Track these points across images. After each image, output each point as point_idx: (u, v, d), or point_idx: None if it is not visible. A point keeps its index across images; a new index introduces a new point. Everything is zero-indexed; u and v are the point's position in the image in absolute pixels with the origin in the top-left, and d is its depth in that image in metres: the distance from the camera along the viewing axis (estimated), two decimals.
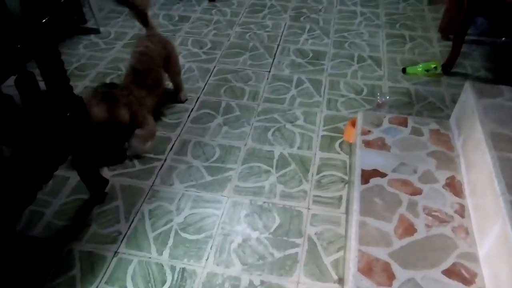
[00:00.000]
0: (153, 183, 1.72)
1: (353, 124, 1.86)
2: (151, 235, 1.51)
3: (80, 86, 2.29)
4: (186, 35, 2.78)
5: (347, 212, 1.58)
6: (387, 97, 1.76)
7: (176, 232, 1.52)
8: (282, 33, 2.77)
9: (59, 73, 1.29)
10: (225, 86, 2.27)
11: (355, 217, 1.31)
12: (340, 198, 1.65)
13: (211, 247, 1.47)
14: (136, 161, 1.82)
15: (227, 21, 2.93)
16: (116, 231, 1.53)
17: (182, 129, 1.98)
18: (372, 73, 2.37)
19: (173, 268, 1.41)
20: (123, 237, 1.51)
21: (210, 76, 2.35)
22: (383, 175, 1.46)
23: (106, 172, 1.76)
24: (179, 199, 1.65)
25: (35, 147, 1.23)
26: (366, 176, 1.46)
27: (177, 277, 1.38)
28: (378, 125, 1.68)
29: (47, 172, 1.30)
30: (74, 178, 1.72)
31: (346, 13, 3.02)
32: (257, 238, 1.50)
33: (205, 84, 2.29)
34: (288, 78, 2.33)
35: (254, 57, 2.52)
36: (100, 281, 1.37)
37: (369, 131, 1.65)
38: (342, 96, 2.19)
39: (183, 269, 1.40)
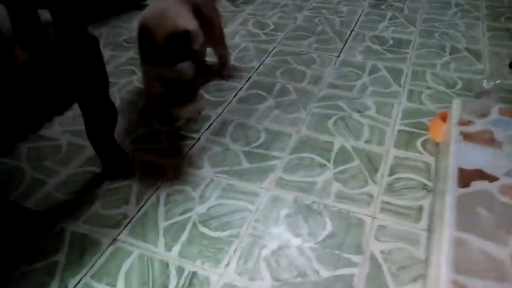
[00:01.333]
0: (179, 163, 1.38)
1: (444, 118, 1.41)
2: (162, 224, 1.17)
3: (123, 57, 2.06)
4: (247, 15, 2.47)
5: (430, 229, 1.12)
6: (497, 81, 1.29)
7: (194, 225, 1.16)
8: (358, 19, 2.36)
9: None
10: (282, 68, 1.91)
11: (448, 232, 0.87)
12: (420, 209, 1.19)
13: (235, 250, 1.09)
14: (164, 136, 1.51)
15: (296, 5, 2.59)
16: (122, 214, 1.21)
17: (224, 108, 1.64)
18: (469, 66, 1.88)
19: (180, 270, 1.05)
20: (128, 222, 1.18)
21: (267, 56, 2.01)
22: (491, 178, 1.00)
23: (128, 146, 1.46)
24: (206, 186, 1.29)
25: (24, 82, 0.95)
26: (466, 177, 1.00)
27: (184, 283, 1.01)
28: (483, 115, 1.21)
29: (41, 115, 1.01)
30: (91, 149, 1.44)
31: (437, 3, 2.55)
32: (299, 247, 1.10)
33: (260, 64, 1.95)
34: (360, 64, 1.92)
35: (321, 41, 2.14)
36: (86, 274, 1.05)
37: (470, 121, 1.19)
38: (429, 88, 1.73)
39: (194, 274, 1.04)
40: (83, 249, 1.11)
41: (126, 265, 1.07)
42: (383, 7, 2.53)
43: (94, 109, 1.18)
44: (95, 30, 2.24)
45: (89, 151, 1.44)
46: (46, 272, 1.06)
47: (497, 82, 1.28)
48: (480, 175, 1.01)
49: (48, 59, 1.00)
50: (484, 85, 1.29)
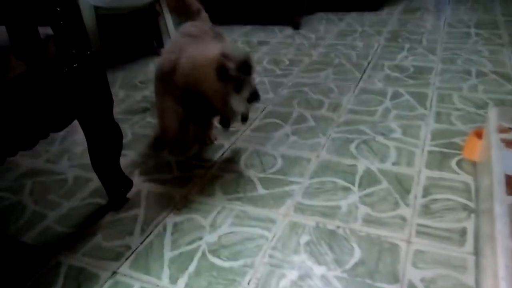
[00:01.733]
0: (189, 192, 1.28)
1: (479, 135, 1.27)
2: (168, 255, 1.04)
3: (138, 96, 2.04)
4: (263, 55, 2.46)
5: (477, 253, 0.95)
6: None
7: (203, 255, 1.03)
8: (375, 52, 2.31)
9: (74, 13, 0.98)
10: (299, 98, 1.84)
11: (504, 244, 0.71)
12: (464, 231, 1.03)
13: (249, 281, 0.95)
14: (174, 167, 1.42)
15: (311, 44, 2.58)
16: (124, 246, 1.09)
17: (238, 138, 1.55)
18: (498, 87, 1.76)
19: None
20: (131, 254, 1.06)
21: (283, 89, 1.95)
22: None
23: (135, 178, 1.37)
24: (217, 213, 1.17)
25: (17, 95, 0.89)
26: None
27: None
28: None
29: (36, 130, 0.94)
30: (96, 180, 1.36)
31: (456, 34, 2.49)
32: (323, 276, 0.94)
33: (276, 95, 1.89)
34: (380, 91, 1.83)
35: (338, 72, 2.08)
36: None
37: (511, 128, 1.05)
38: (457, 109, 1.61)
39: None
40: (79, 284, 0.99)
41: None
42: (399, 40, 2.49)
43: (97, 130, 1.11)
44: (111, 75, 2.26)
45: (95, 183, 1.36)
46: None
47: None
48: None
49: (47, 73, 0.95)
50: None
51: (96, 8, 2.35)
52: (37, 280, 1.01)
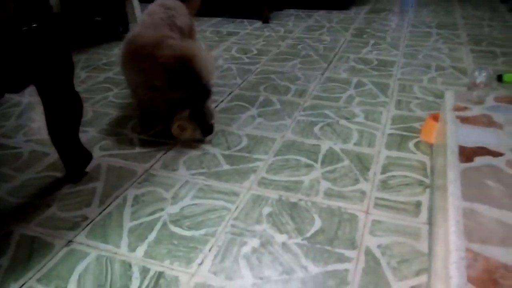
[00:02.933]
0: (151, 166, 1.25)
1: (436, 118, 1.33)
2: (127, 225, 1.02)
3: (101, 77, 1.99)
4: (231, 44, 2.47)
5: (430, 223, 0.99)
6: (485, 74, 1.22)
7: (164, 225, 1.01)
8: (341, 46, 2.36)
9: None
10: (266, 84, 1.85)
11: (455, 203, 0.75)
12: (418, 204, 1.07)
13: (210, 248, 0.94)
14: (136, 142, 1.39)
15: (279, 36, 2.60)
16: (81, 216, 1.05)
17: None
18: (456, 80, 1.84)
19: (145, 271, 0.88)
20: (87, 224, 1.03)
21: (250, 75, 1.96)
22: (496, 154, 0.89)
23: (96, 153, 1.33)
24: (180, 187, 1.16)
25: None
26: (468, 153, 0.90)
27: (148, 284, 0.85)
28: (479, 103, 1.13)
29: None
30: (54, 155, 1.31)
31: (418, 33, 2.59)
32: (284, 243, 0.95)
33: (243, 81, 1.89)
34: (345, 80, 1.87)
35: (305, 62, 2.11)
36: (31, 277, 0.88)
37: (466, 107, 1.11)
38: (417, 98, 1.67)
39: (160, 274, 0.87)
40: (32, 252, 0.95)
41: (80, 267, 0.90)
42: (364, 36, 2.55)
43: (56, 97, 1.07)
44: (74, 56, 2.19)
45: (52, 157, 1.31)
46: None
47: (485, 74, 1.21)
48: (483, 151, 0.90)
49: (3, 31, 0.91)
50: (477, 78, 1.22)
51: None
52: None
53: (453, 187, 0.79)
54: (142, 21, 1.48)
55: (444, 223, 0.76)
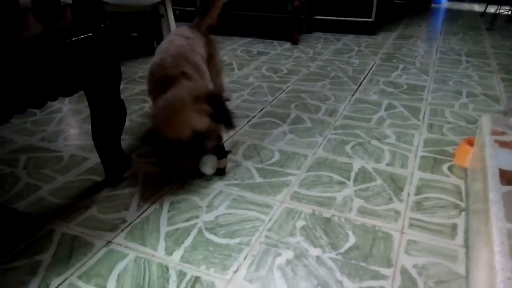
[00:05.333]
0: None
1: (470, 143, 1.33)
2: (164, 229, 1.04)
3: (137, 89, 2.06)
4: (262, 63, 2.52)
5: (467, 246, 0.98)
6: None
7: (200, 232, 1.03)
8: (371, 69, 2.39)
9: None
10: (296, 102, 1.88)
11: (498, 224, 0.74)
12: (454, 226, 1.06)
13: (245, 257, 0.95)
14: None
15: (309, 57, 2.65)
16: (120, 219, 1.08)
17: (236, 132, 1.58)
18: (488, 107, 1.83)
19: (181, 274, 0.90)
20: (127, 226, 1.05)
21: (281, 93, 2.00)
22: None
23: (133, 160, 1.37)
24: (214, 196, 1.18)
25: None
26: (509, 177, 0.90)
27: (185, 287, 0.86)
28: None
29: (46, 92, 0.94)
30: (93, 160, 1.36)
31: (447, 59, 2.60)
32: (318, 257, 0.95)
33: (274, 98, 1.93)
34: (376, 102, 1.88)
35: (335, 83, 2.14)
36: (72, 274, 0.90)
37: (504, 132, 1.11)
38: (449, 123, 1.67)
39: (197, 279, 0.89)
40: (73, 250, 0.98)
41: (119, 267, 0.92)
42: (394, 60, 2.58)
43: (102, 103, 1.12)
44: None
45: (91, 162, 1.36)
46: (28, 271, 0.91)
47: None
48: None
49: (62, 38, 0.96)
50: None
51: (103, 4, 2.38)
52: (29, 245, 1.00)
53: (496, 209, 0.79)
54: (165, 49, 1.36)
55: (486, 246, 0.76)
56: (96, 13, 1.05)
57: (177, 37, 1.46)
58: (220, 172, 1.29)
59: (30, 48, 0.89)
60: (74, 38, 0.98)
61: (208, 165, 1.24)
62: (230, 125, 1.17)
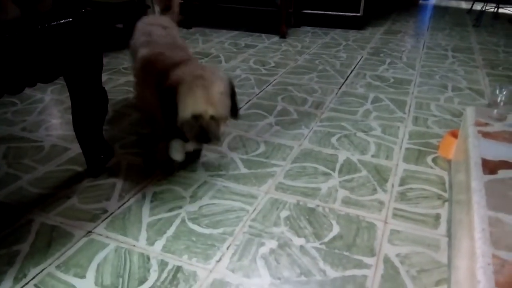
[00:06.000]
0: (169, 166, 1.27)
1: (454, 135, 1.33)
2: (146, 219, 1.03)
3: (122, 80, 2.02)
4: (249, 56, 2.50)
5: (449, 236, 0.99)
6: (505, 92, 1.23)
7: (183, 221, 1.02)
8: (358, 63, 2.39)
9: None
10: (283, 94, 1.87)
11: (480, 212, 0.75)
12: (438, 217, 1.06)
13: (228, 246, 0.94)
14: (155, 143, 1.40)
15: (296, 51, 2.64)
16: (101, 209, 1.06)
17: None
18: (473, 101, 1.85)
19: (163, 264, 0.88)
20: (108, 216, 1.03)
21: (268, 85, 1.98)
22: None
23: (116, 149, 1.35)
24: (198, 187, 1.17)
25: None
26: (491, 166, 0.90)
27: (166, 277, 0.85)
28: (500, 120, 1.14)
29: (24, 77, 0.92)
30: (75, 150, 1.34)
31: (434, 54, 2.61)
32: (302, 246, 0.95)
33: (261, 91, 1.92)
34: (362, 95, 1.89)
35: (322, 76, 2.14)
36: (51, 264, 0.88)
37: (487, 123, 1.11)
38: (435, 116, 1.68)
39: (178, 268, 0.88)
40: (51, 240, 0.95)
41: (99, 257, 0.90)
42: (381, 55, 2.58)
43: (84, 90, 1.09)
44: None
45: (73, 152, 1.33)
46: (5, 261, 0.89)
47: (510, 91, 1.22)
48: (506, 165, 0.91)
49: (41, 24, 0.94)
50: (497, 92, 1.23)
51: None
52: (7, 235, 0.97)
53: (478, 197, 0.79)
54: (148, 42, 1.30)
55: (467, 234, 0.76)
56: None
57: (157, 27, 1.39)
58: (196, 156, 1.25)
59: (6, 32, 0.86)
60: (53, 23, 0.95)
61: (177, 149, 1.19)
62: (236, 115, 1.12)
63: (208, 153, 1.35)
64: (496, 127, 1.10)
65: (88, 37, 1.05)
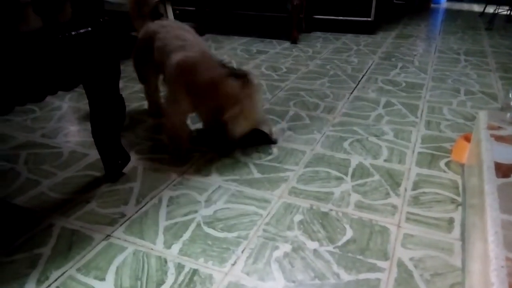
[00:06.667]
0: (185, 171, 1.29)
1: (467, 139, 1.34)
2: (162, 223, 1.05)
3: (137, 87, 2.07)
4: (261, 62, 2.53)
5: (463, 239, 0.99)
6: None
7: (198, 225, 1.04)
8: (369, 68, 2.40)
9: None
10: (295, 100, 1.89)
11: (493, 214, 0.75)
12: (451, 221, 1.07)
13: (243, 250, 0.96)
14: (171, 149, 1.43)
15: (307, 56, 2.66)
16: (119, 213, 1.09)
17: None
18: (486, 104, 1.84)
19: (180, 267, 0.91)
20: (126, 221, 1.06)
21: (280, 91, 2.00)
22: None
23: (132, 156, 1.38)
24: (213, 191, 1.19)
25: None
26: (504, 170, 0.91)
27: (183, 280, 0.87)
28: None
29: (46, 85, 0.95)
30: (93, 155, 1.37)
31: (446, 58, 2.60)
32: (316, 250, 0.96)
33: (273, 96, 1.94)
34: (374, 99, 1.89)
35: (334, 81, 2.15)
36: (72, 267, 0.91)
37: (500, 127, 1.12)
38: (447, 120, 1.68)
39: (195, 271, 0.90)
40: (72, 244, 0.98)
41: (118, 260, 0.93)
42: (392, 59, 2.59)
43: (102, 98, 1.13)
44: None
45: (91, 158, 1.37)
46: (28, 264, 0.92)
47: None
48: None
49: (61, 34, 0.97)
50: (510, 96, 1.23)
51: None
52: (29, 239, 1.00)
53: (491, 200, 0.80)
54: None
55: (481, 237, 0.76)
56: (95, 8, 1.06)
57: (182, 30, 1.45)
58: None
59: (29, 42, 0.90)
60: (73, 33, 0.99)
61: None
62: None
63: (222, 158, 1.37)
64: (509, 130, 1.10)
65: (106, 46, 1.09)
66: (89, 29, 1.03)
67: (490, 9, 4.28)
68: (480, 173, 0.94)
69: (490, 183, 0.85)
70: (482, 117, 1.18)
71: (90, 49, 1.04)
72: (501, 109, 1.38)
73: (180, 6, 3.80)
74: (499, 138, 1.05)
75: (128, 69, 2.37)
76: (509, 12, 4.00)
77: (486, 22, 3.86)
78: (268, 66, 2.43)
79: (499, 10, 3.89)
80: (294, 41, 3.03)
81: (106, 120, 1.17)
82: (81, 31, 1.01)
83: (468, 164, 1.25)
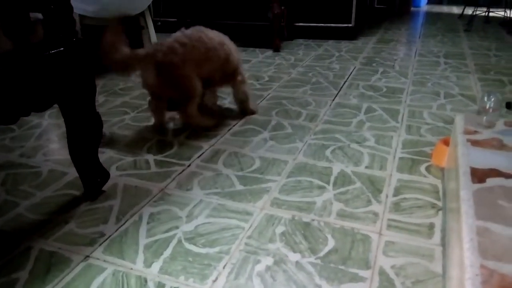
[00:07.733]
0: (166, 186, 1.28)
1: (446, 143, 1.35)
2: (143, 241, 1.04)
3: (118, 101, 2.05)
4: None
5: (443, 245, 0.99)
6: (494, 99, 1.25)
7: (179, 242, 1.03)
8: (351, 74, 2.42)
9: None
10: (278, 109, 1.89)
11: (468, 221, 0.76)
12: (432, 226, 1.07)
13: (224, 266, 0.95)
14: (152, 163, 1.42)
15: (290, 64, 2.67)
16: (99, 233, 1.08)
17: (218, 140, 1.58)
18: (466, 107, 1.87)
19: (160, 286, 0.89)
20: (105, 240, 1.05)
21: (262, 100, 2.01)
22: (508, 175, 0.91)
23: (112, 173, 1.37)
24: (194, 206, 1.18)
25: None
26: (480, 175, 0.91)
27: None
28: (489, 127, 1.16)
29: (19, 107, 0.94)
30: (73, 174, 1.35)
31: (426, 62, 2.64)
32: (298, 262, 0.96)
33: (256, 106, 1.94)
34: (355, 106, 1.91)
35: (316, 89, 2.16)
36: None
37: (476, 131, 1.13)
38: (427, 124, 1.69)
39: None
40: (50, 266, 0.96)
41: (97, 282, 0.91)
42: (373, 64, 2.61)
43: (78, 116, 1.11)
44: None
45: (70, 176, 1.35)
46: None
47: (493, 99, 1.24)
48: (495, 173, 0.92)
49: (33, 54, 0.96)
50: (487, 104, 1.25)
51: (82, 18, 2.38)
52: (6, 263, 0.98)
53: (466, 206, 0.80)
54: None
55: (458, 243, 0.77)
56: (68, 28, 1.05)
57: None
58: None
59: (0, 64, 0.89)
60: (45, 53, 0.98)
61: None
62: None
63: (204, 171, 1.36)
64: (485, 134, 1.11)
65: (80, 65, 1.08)
66: (62, 49, 1.02)
67: (469, 11, 4.36)
68: (457, 178, 0.95)
69: (465, 189, 0.86)
70: (459, 121, 1.20)
71: (63, 69, 1.03)
72: (477, 113, 1.40)
73: (162, 18, 3.80)
74: (475, 143, 1.06)
75: (109, 83, 2.36)
76: (487, 13, 4.08)
77: (465, 24, 3.93)
78: (250, 75, 2.44)
79: (477, 12, 3.97)
80: (276, 49, 3.04)
81: (83, 139, 1.16)
82: (53, 51, 1.00)
83: (447, 168, 1.26)
